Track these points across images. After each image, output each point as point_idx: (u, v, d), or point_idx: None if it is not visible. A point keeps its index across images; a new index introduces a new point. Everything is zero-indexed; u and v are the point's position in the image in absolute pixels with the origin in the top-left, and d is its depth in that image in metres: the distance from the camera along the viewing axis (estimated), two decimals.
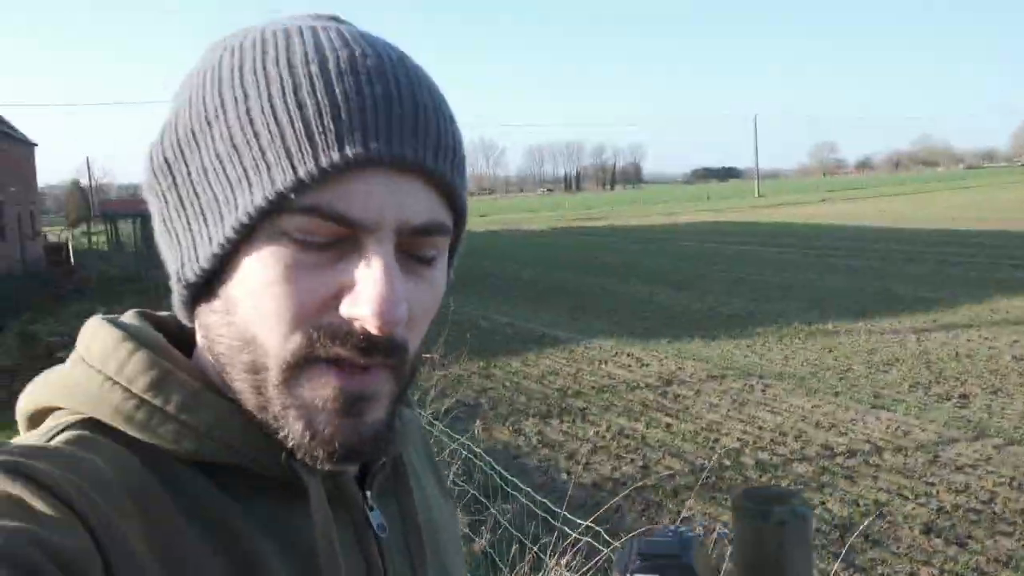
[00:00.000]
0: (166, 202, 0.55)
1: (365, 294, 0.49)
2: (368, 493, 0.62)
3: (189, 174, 0.53)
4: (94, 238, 43.23)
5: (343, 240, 0.50)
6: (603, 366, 8.84)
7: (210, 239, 0.52)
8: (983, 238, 21.08)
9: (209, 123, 0.52)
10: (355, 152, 0.48)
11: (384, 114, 0.50)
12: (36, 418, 0.58)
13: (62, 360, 0.59)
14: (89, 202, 75.84)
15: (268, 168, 0.49)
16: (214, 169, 0.51)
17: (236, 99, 0.51)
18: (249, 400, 0.53)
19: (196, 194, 0.53)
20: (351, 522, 0.60)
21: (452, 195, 0.54)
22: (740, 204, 53.41)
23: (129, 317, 0.62)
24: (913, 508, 4.99)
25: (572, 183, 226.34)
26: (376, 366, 0.52)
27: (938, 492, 5.20)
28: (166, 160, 0.55)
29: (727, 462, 5.85)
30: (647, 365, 8.80)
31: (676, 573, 0.48)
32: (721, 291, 14.12)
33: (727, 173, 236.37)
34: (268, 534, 0.54)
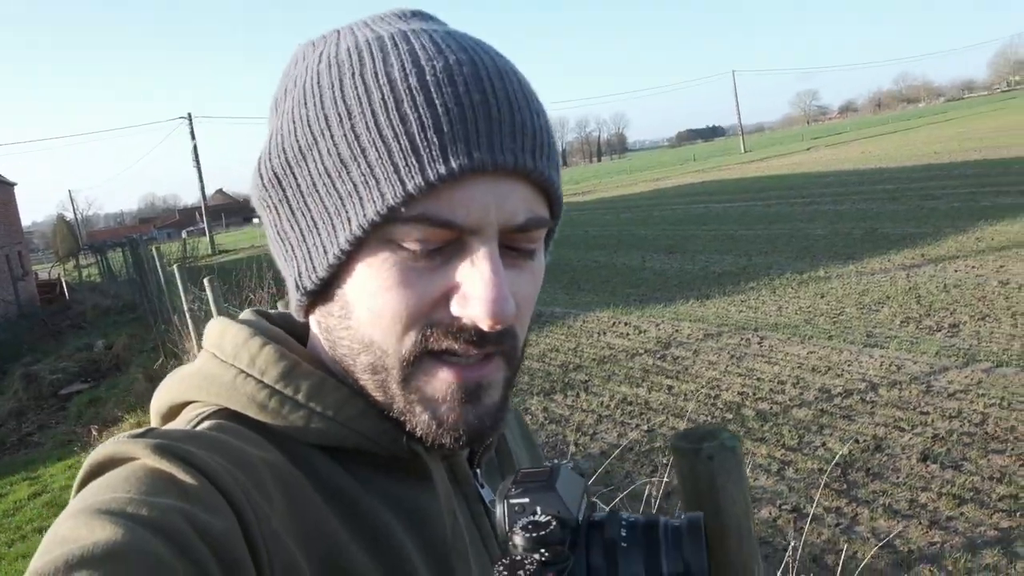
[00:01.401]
0: (278, 214, 0.58)
1: (475, 294, 0.52)
2: (478, 471, 0.66)
3: (299, 187, 0.55)
4: (85, 271, 43.11)
5: (450, 243, 0.53)
6: (602, 337, 8.98)
7: (325, 250, 0.54)
8: (965, 168, 21.14)
9: (315, 139, 0.53)
10: (460, 163, 0.50)
11: (484, 122, 0.51)
12: (170, 415, 0.61)
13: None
14: (76, 235, 75.52)
15: (377, 183, 0.51)
16: (324, 183, 0.53)
17: (340, 116, 0.52)
18: (375, 395, 0.57)
19: (307, 206, 0.55)
20: (464, 496, 0.64)
21: (549, 190, 0.56)
22: (726, 162, 53.36)
23: (248, 315, 0.65)
24: (909, 439, 5.14)
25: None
26: (489, 355, 0.55)
27: (932, 420, 5.35)
28: (275, 175, 0.56)
29: (729, 416, 6.00)
30: (644, 331, 8.94)
31: (541, 494, 0.51)
32: (712, 250, 14.23)
33: (712, 132, 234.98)
34: (393, 509, 0.57)
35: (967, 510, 4.21)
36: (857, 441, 5.23)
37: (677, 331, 8.73)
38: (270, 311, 0.68)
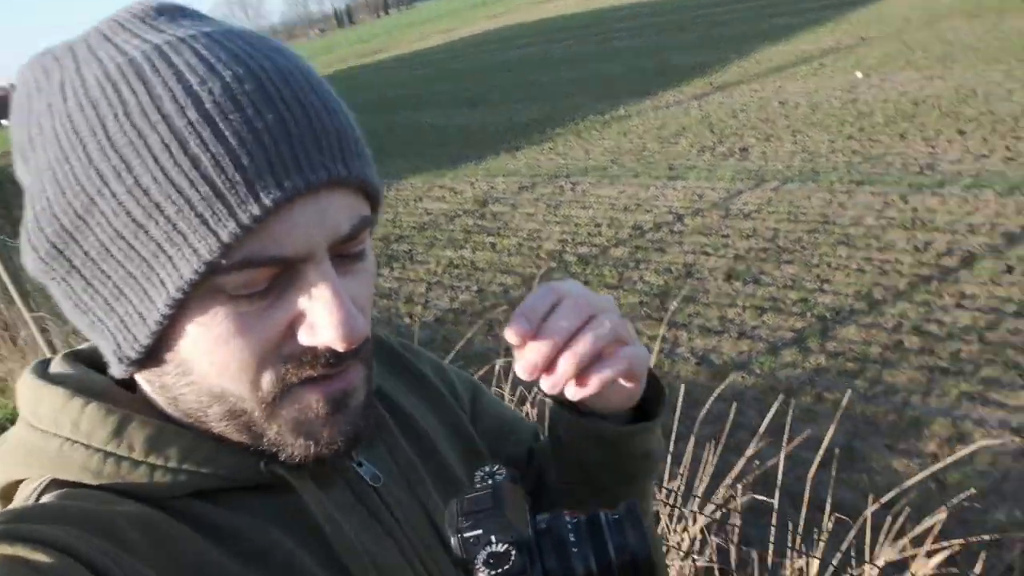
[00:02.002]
0: (70, 286, 0.51)
1: (322, 322, 0.50)
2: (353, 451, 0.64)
3: (88, 255, 0.49)
4: None
5: (281, 275, 0.50)
6: (419, 204, 8.90)
7: (142, 317, 0.49)
8: None
9: (93, 200, 0.47)
10: (273, 197, 0.46)
11: (284, 143, 0.47)
12: (5, 496, 0.56)
13: None
14: None
15: (185, 238, 0.46)
16: (118, 247, 0.48)
17: (117, 170, 0.46)
18: (236, 436, 0.54)
19: (105, 273, 0.49)
20: (347, 483, 0.62)
21: (367, 187, 0.54)
22: (518, 3, 52.59)
23: (60, 365, 0.59)
24: (715, 261, 5.59)
25: (343, 18, 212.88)
26: (348, 367, 0.54)
27: (733, 242, 5.83)
28: (54, 246, 0.50)
29: (553, 264, 6.23)
30: (460, 192, 8.94)
31: (492, 522, 0.51)
32: (515, 99, 14.23)
33: None
34: (275, 528, 0.56)
35: (768, 318, 4.69)
36: (670, 271, 5.62)
37: (492, 187, 8.81)
38: (81, 348, 0.61)
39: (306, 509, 0.57)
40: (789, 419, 2.30)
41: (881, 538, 2.04)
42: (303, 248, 0.48)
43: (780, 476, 2.11)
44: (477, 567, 0.50)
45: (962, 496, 1.89)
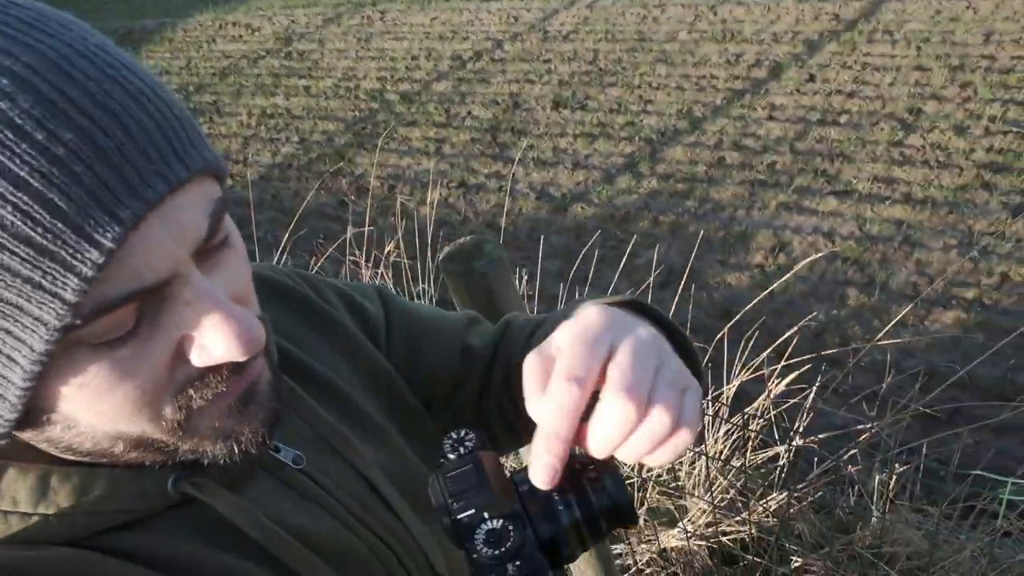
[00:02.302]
0: None
1: (213, 341, 0.45)
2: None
3: None
4: None
5: (148, 303, 0.43)
6: (213, 46, 8.06)
7: (2, 396, 0.43)
8: None
9: None
10: (112, 235, 0.39)
11: (101, 163, 0.39)
12: None
13: None
14: None
15: (21, 310, 0.39)
16: None
17: None
18: (152, 457, 0.50)
19: None
20: (268, 472, 0.58)
21: (212, 168, 0.47)
22: None
23: None
24: (540, 89, 5.57)
25: None
26: (250, 363, 0.50)
27: (555, 67, 5.80)
28: None
29: (375, 105, 5.95)
30: (258, 29, 8.17)
31: (481, 498, 0.52)
32: None
33: None
34: (204, 543, 0.53)
35: (599, 145, 4.80)
36: (497, 103, 5.54)
37: (294, 22, 8.10)
38: None
39: (226, 524, 0.54)
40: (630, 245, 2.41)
41: (736, 358, 2.26)
42: (164, 271, 0.42)
43: (610, 289, 2.24)
44: (477, 547, 0.50)
45: (808, 318, 2.10)
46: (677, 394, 0.48)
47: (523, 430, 0.83)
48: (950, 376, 2.62)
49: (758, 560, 1.98)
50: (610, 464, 0.53)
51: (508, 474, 0.56)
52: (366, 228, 2.71)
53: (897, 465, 2.15)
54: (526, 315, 0.86)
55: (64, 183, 0.38)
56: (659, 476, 2.25)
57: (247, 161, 5.71)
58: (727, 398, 2.23)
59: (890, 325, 2.00)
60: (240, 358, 0.46)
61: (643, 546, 2.20)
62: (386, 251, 2.63)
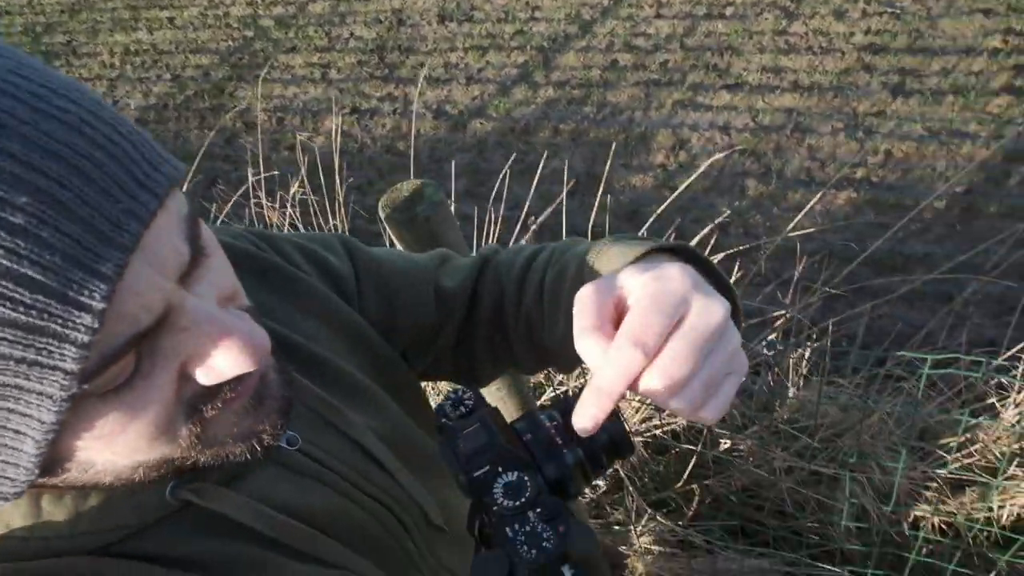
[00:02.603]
0: None
1: (219, 360, 0.44)
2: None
3: None
4: None
5: (146, 339, 0.42)
6: None
7: (15, 464, 0.41)
8: None
9: None
10: (99, 293, 0.37)
11: (69, 221, 0.36)
12: None
13: None
14: None
15: (21, 389, 0.37)
16: None
17: None
18: (175, 470, 0.49)
19: None
20: (270, 458, 0.57)
21: (174, 180, 0.43)
22: None
23: None
24: (423, 3, 5.36)
25: None
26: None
27: None
28: None
29: (249, 33, 5.62)
30: None
31: (496, 456, 0.54)
32: None
33: None
34: (215, 538, 0.53)
35: (491, 58, 4.71)
36: (380, 20, 5.32)
37: None
38: None
39: (231, 525, 0.54)
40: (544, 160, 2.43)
41: None
42: (158, 308, 0.41)
43: (526, 206, 2.27)
44: (497, 500, 0.52)
45: (725, 215, 2.17)
46: (720, 375, 0.49)
47: (511, 361, 0.84)
48: (848, 255, 2.79)
49: (690, 447, 2.11)
50: None
51: (510, 425, 0.58)
52: (262, 170, 2.62)
53: (808, 344, 2.30)
54: (505, 248, 0.85)
55: (34, 253, 0.35)
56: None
57: (117, 105, 5.33)
58: None
59: (800, 216, 2.09)
60: (250, 368, 0.45)
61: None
62: (292, 192, 2.55)
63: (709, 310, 0.48)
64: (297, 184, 2.55)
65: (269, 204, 2.60)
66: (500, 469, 0.54)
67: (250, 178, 2.66)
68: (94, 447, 0.43)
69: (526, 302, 0.76)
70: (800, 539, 1.92)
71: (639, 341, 0.46)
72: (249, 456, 0.51)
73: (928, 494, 1.91)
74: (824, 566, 1.80)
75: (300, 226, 2.63)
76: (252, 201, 2.64)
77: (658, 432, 2.20)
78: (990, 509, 1.85)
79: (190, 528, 0.53)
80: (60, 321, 0.36)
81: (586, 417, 0.49)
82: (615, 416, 0.55)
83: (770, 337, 2.21)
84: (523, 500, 0.52)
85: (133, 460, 0.46)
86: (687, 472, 2.02)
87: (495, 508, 0.52)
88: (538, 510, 0.51)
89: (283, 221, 2.65)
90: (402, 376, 0.77)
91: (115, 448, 0.44)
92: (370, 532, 0.62)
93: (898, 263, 3.01)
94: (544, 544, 0.50)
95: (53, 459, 0.43)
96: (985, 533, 1.89)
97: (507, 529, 0.51)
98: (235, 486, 0.55)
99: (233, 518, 0.53)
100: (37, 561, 0.47)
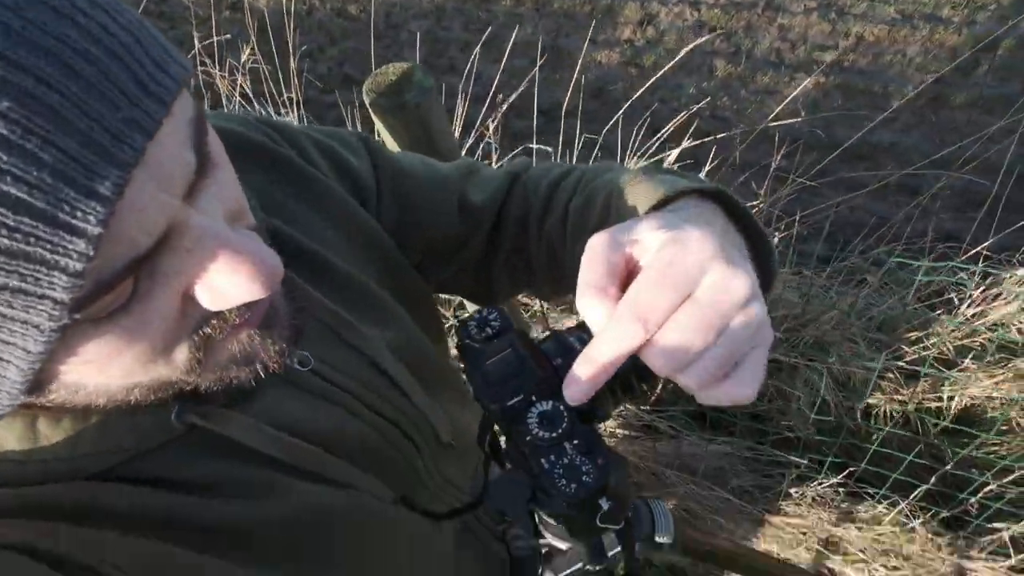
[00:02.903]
0: None
1: (228, 284, 0.40)
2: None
3: None
4: None
5: (144, 262, 0.37)
6: None
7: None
8: None
9: None
10: (95, 216, 0.32)
11: (62, 133, 0.31)
12: None
13: None
14: None
15: (4, 317, 0.33)
16: None
17: None
18: (172, 393, 0.46)
19: None
20: (276, 377, 0.53)
21: (184, 81, 0.38)
22: None
23: None
24: None
25: None
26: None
27: None
28: None
29: None
30: None
31: (531, 384, 0.52)
32: None
33: None
34: (217, 462, 0.51)
35: None
36: None
37: None
38: None
39: (238, 447, 0.52)
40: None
41: (628, 143, 2.26)
42: (160, 228, 0.36)
43: (495, 84, 2.18)
44: (531, 430, 0.50)
45: (701, 104, 2.09)
46: (739, 351, 0.44)
47: (528, 283, 0.81)
48: (815, 142, 2.76)
49: None
50: None
51: (537, 346, 0.55)
52: (214, 37, 2.42)
53: (775, 234, 2.29)
54: (536, 165, 0.79)
55: (17, 168, 0.30)
56: None
57: None
58: None
59: (782, 105, 2.03)
60: (262, 295, 0.41)
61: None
62: (243, 59, 2.37)
63: (729, 284, 0.43)
64: (249, 51, 2.37)
65: (220, 74, 2.42)
66: (534, 398, 0.51)
67: (196, 43, 2.47)
68: (85, 371, 0.39)
69: (550, 224, 0.73)
70: (763, 429, 1.98)
71: (642, 315, 0.43)
72: (253, 382, 0.47)
73: (883, 383, 1.97)
74: (784, 454, 1.86)
75: (252, 97, 2.47)
76: (200, 69, 2.46)
77: None
78: (940, 399, 1.92)
79: (195, 451, 0.50)
80: (49, 246, 0.31)
81: (577, 389, 0.47)
82: None
83: None
84: (560, 432, 0.49)
85: (127, 383, 0.42)
86: None
87: (528, 438, 0.50)
88: (575, 441, 0.49)
89: (233, 90, 2.48)
90: (417, 287, 0.74)
91: (108, 372, 0.40)
92: (380, 451, 0.60)
93: (865, 152, 3.00)
94: (584, 479, 0.48)
95: (39, 382, 0.39)
96: (933, 423, 1.97)
97: (542, 460, 0.49)
98: (242, 407, 0.52)
99: (240, 441, 0.51)
100: (38, 487, 0.44)
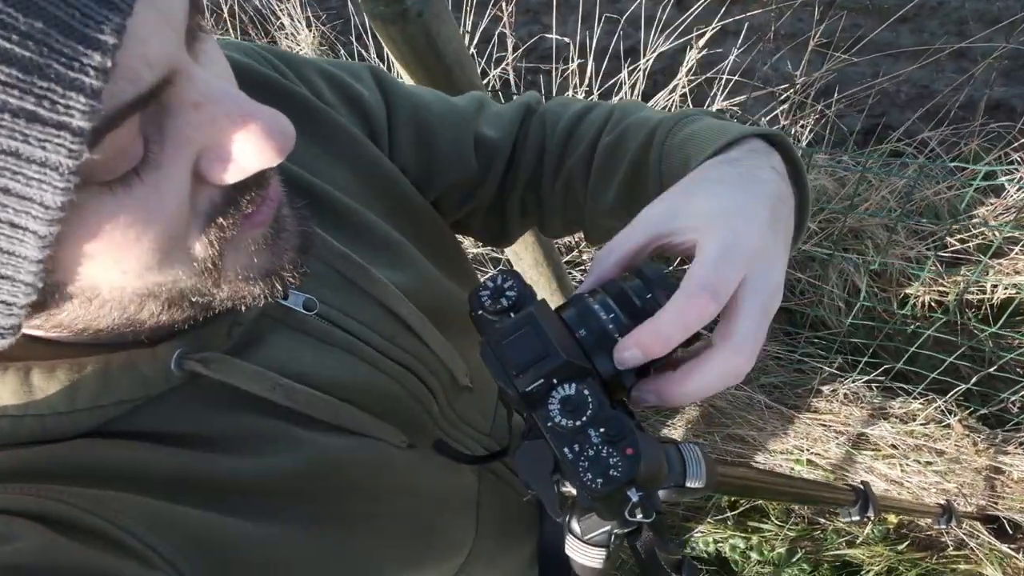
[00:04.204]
0: None
1: (240, 146, 0.37)
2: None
3: None
4: None
5: (150, 121, 0.35)
6: None
7: (5, 303, 0.35)
8: None
9: None
10: (109, 26, 0.29)
11: None
12: None
13: None
14: None
15: (19, 156, 0.29)
16: None
17: None
18: (179, 315, 0.44)
19: None
20: (281, 325, 0.53)
21: None
22: None
23: None
24: None
25: None
26: (272, 182, 0.43)
27: None
28: None
29: None
30: None
31: (553, 366, 0.47)
32: None
33: None
34: (220, 412, 0.49)
35: None
36: None
37: None
38: None
39: (246, 396, 0.50)
40: None
41: (654, 18, 2.09)
42: (162, 66, 0.34)
43: None
44: (553, 417, 0.47)
45: None
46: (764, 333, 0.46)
47: (538, 222, 0.79)
48: (855, 2, 2.54)
49: None
50: (663, 279, 0.49)
51: (557, 315, 0.50)
52: None
53: (812, 112, 2.15)
54: (554, 98, 0.76)
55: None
56: None
57: None
58: (646, 69, 2.10)
59: None
60: (276, 160, 0.38)
61: None
62: None
63: (769, 281, 0.46)
64: None
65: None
66: (555, 381, 0.47)
67: None
68: (102, 261, 0.36)
69: (572, 161, 0.70)
70: (795, 325, 1.92)
71: (715, 290, 0.43)
72: (269, 297, 0.45)
73: (923, 274, 1.88)
74: (816, 351, 1.81)
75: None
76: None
77: None
78: (983, 291, 1.84)
79: (198, 402, 0.49)
80: (64, 59, 0.28)
81: (629, 357, 0.46)
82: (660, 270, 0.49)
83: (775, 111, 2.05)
84: (584, 419, 0.45)
85: (145, 284, 0.39)
86: None
87: (549, 424, 0.46)
88: (601, 429, 0.45)
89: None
90: (436, 227, 0.70)
91: (127, 262, 0.37)
92: (392, 397, 0.58)
93: (909, 13, 2.77)
94: (612, 473, 0.44)
95: (54, 282, 0.36)
96: (975, 310, 1.90)
97: (566, 449, 0.45)
98: (247, 356, 0.50)
99: (244, 389, 0.49)
100: (39, 448, 0.43)
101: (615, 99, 2.14)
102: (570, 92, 2.15)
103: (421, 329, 0.61)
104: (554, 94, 2.19)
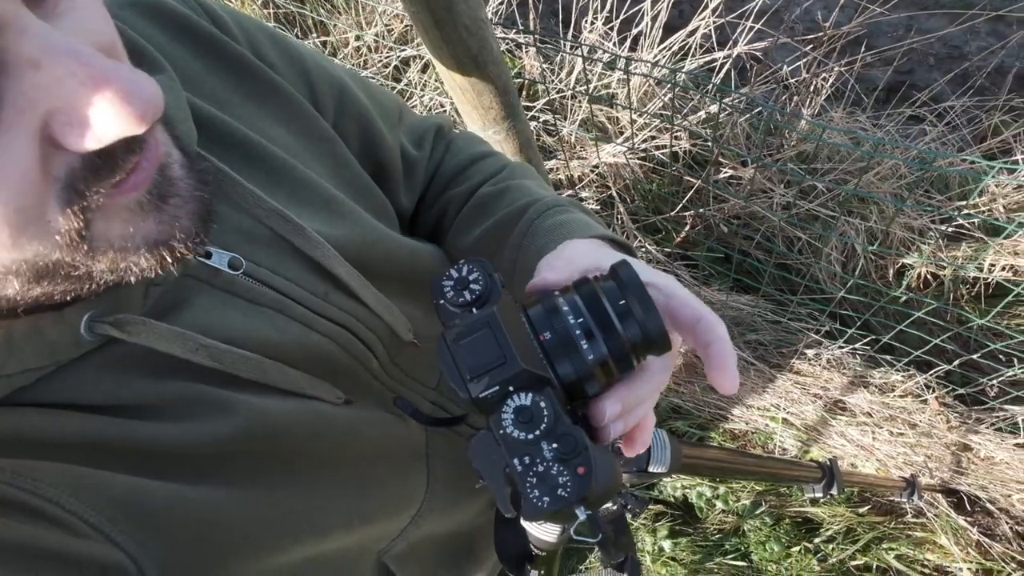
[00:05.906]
0: None
1: (90, 110, 0.33)
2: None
3: None
4: None
5: None
6: None
7: None
8: None
9: None
10: None
11: None
12: None
13: None
14: None
15: None
16: None
17: None
18: (66, 288, 0.41)
19: None
20: (205, 285, 0.50)
21: None
22: None
23: None
24: None
25: None
26: (147, 137, 0.38)
27: None
28: None
29: None
30: None
31: (507, 372, 0.46)
32: None
33: None
34: (141, 377, 0.47)
35: None
36: None
37: None
38: None
39: (161, 355, 0.48)
40: None
41: None
42: None
43: None
44: (506, 427, 0.45)
45: None
46: None
47: (408, 226, 0.79)
48: None
49: (690, 180, 2.00)
50: (635, 284, 0.47)
51: (522, 315, 0.48)
52: None
53: (835, 65, 2.08)
54: (463, 132, 0.82)
55: None
56: (596, 91, 2.13)
57: None
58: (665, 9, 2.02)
59: None
60: (137, 129, 0.34)
61: (575, 162, 2.18)
62: None
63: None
64: None
65: None
66: (511, 388, 0.45)
67: None
68: None
69: (453, 193, 0.75)
70: (790, 282, 1.91)
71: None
72: (160, 270, 0.42)
73: (923, 247, 1.87)
74: (807, 313, 1.81)
75: None
76: None
77: (657, 152, 2.07)
78: (980, 269, 1.83)
79: (115, 367, 0.46)
80: None
81: (733, 378, 0.48)
82: (648, 305, 0.47)
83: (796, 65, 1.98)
84: (537, 432, 0.44)
85: (3, 261, 0.36)
86: (686, 199, 1.93)
87: (501, 432, 0.45)
88: (554, 445, 0.44)
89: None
90: (375, 198, 0.68)
91: None
92: (327, 355, 0.57)
93: None
94: (560, 492, 0.43)
95: None
96: (968, 287, 1.89)
97: (516, 460, 0.44)
98: (170, 319, 0.48)
99: (165, 352, 0.46)
100: None
101: (634, 30, 2.07)
102: (589, 16, 2.07)
103: (358, 287, 0.59)
104: (571, 23, 2.11)
